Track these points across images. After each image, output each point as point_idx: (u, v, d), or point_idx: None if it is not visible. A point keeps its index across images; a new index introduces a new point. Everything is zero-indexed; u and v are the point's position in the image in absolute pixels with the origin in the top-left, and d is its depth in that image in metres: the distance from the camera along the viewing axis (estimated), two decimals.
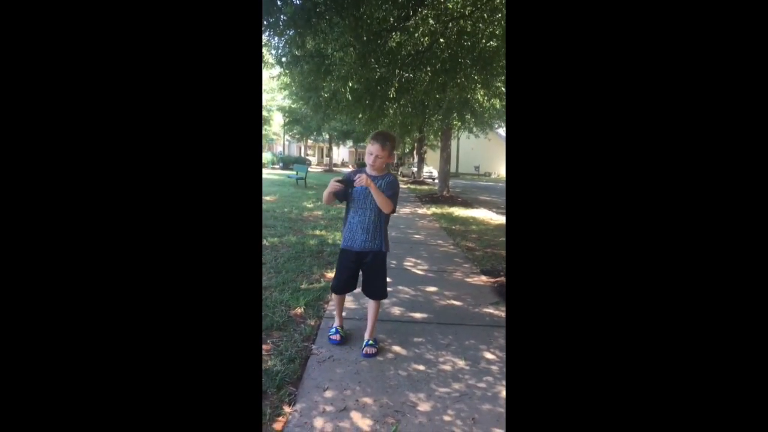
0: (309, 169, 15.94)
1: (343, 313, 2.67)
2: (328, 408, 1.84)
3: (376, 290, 2.44)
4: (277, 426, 1.71)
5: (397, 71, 6.46)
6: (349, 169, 2.53)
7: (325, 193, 2.29)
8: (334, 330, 2.52)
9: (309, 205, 8.89)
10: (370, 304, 2.48)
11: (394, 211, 2.34)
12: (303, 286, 3.41)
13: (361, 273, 2.45)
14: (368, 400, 1.91)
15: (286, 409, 1.82)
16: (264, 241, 5.02)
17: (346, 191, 2.31)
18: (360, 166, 2.22)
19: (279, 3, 4.75)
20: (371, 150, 2.27)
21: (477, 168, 32.61)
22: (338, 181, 2.23)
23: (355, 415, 1.80)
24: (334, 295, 2.55)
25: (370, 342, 2.40)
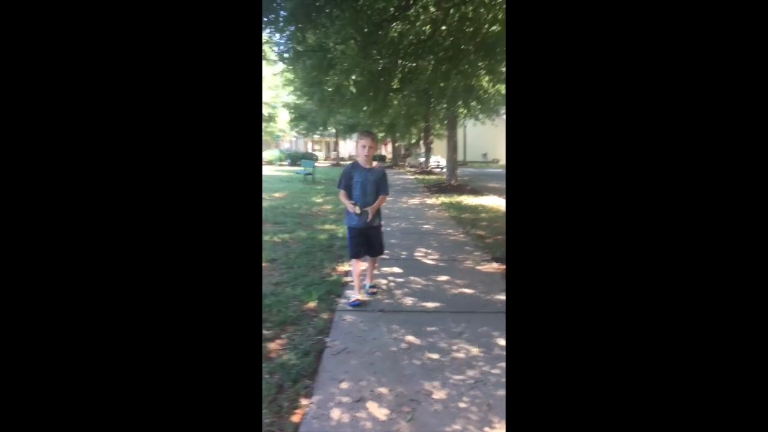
0: (316, 164, 15.97)
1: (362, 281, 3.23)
2: (345, 399, 1.87)
3: (379, 250, 3.20)
4: (296, 418, 1.74)
5: (399, 61, 6.42)
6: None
7: (351, 208, 2.94)
8: (355, 302, 2.98)
9: (318, 200, 8.93)
10: (371, 261, 3.22)
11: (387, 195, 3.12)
12: (315, 281, 3.44)
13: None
14: (384, 390, 1.94)
15: (304, 401, 1.85)
16: (275, 238, 5.06)
17: (348, 183, 2.96)
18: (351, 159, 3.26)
19: None
20: (365, 143, 2.95)
21: (485, 155, 32.34)
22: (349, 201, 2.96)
23: (372, 405, 1.83)
24: (353, 262, 3.09)
25: (371, 285, 3.20)
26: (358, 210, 2.88)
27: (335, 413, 1.77)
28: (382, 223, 3.22)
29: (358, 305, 2.94)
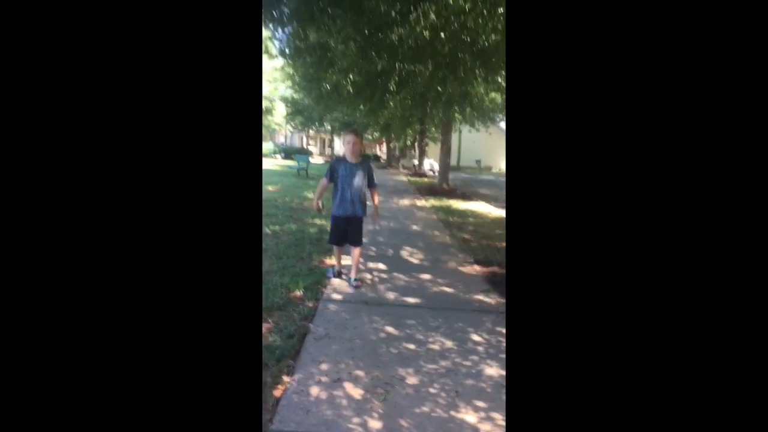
0: (311, 160, 16.05)
1: (343, 262, 3.64)
2: (324, 379, 2.01)
3: (358, 240, 3.44)
4: (277, 393, 1.88)
5: (397, 64, 6.56)
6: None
7: (315, 204, 3.45)
8: (331, 271, 3.55)
9: (310, 195, 9.02)
10: (354, 251, 3.41)
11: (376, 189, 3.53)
12: (303, 271, 3.57)
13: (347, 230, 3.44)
14: (360, 373, 2.08)
15: (285, 378, 1.99)
16: (266, 229, 5.17)
17: (334, 175, 3.29)
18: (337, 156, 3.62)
19: None
20: (349, 140, 3.32)
21: (478, 162, 32.62)
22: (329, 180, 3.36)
23: (348, 386, 1.97)
24: (335, 247, 3.55)
25: (355, 279, 3.35)
26: (320, 207, 3.44)
27: (314, 390, 1.91)
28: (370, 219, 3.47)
29: (334, 275, 3.49)
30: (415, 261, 4.34)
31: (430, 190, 12.20)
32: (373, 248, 4.72)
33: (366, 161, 3.44)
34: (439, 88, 7.96)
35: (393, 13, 5.68)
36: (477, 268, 4.21)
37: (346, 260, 3.75)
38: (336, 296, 3.12)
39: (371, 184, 3.39)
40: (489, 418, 1.80)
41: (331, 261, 3.89)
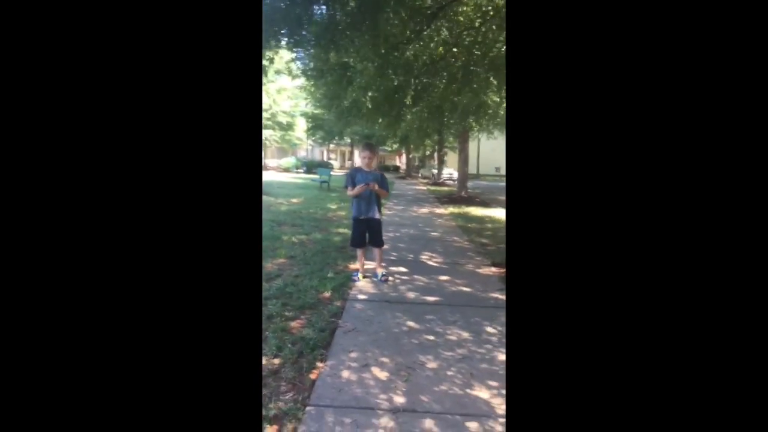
0: (331, 173, 16.51)
1: (365, 266, 4.00)
2: (353, 365, 2.28)
3: (378, 241, 3.91)
4: (313, 376, 2.16)
5: (413, 80, 6.88)
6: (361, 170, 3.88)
7: (355, 193, 3.76)
8: (356, 274, 3.86)
9: (333, 207, 9.39)
10: (376, 252, 3.93)
11: (388, 193, 4.06)
12: (330, 275, 3.87)
13: (367, 233, 3.90)
14: (385, 360, 2.34)
15: (319, 364, 2.27)
16: (293, 238, 5.52)
17: (354, 181, 3.80)
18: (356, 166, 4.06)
19: (304, 22, 5.26)
20: (366, 155, 3.84)
21: (497, 169, 32.65)
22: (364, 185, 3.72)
23: (375, 370, 2.23)
24: (358, 251, 3.97)
25: (382, 274, 3.84)
26: (359, 189, 3.67)
27: (345, 374, 2.18)
28: (388, 225, 3.74)
29: (357, 280, 3.79)
30: (434, 264, 4.59)
31: (449, 199, 12.43)
32: (395, 253, 5.00)
33: (379, 170, 3.90)
34: (454, 100, 8.24)
35: (407, 32, 6.01)
36: (494, 269, 4.42)
37: (368, 264, 4.03)
38: (361, 296, 3.39)
39: (383, 188, 3.82)
40: (500, 395, 2.03)
41: (355, 266, 4.18)
